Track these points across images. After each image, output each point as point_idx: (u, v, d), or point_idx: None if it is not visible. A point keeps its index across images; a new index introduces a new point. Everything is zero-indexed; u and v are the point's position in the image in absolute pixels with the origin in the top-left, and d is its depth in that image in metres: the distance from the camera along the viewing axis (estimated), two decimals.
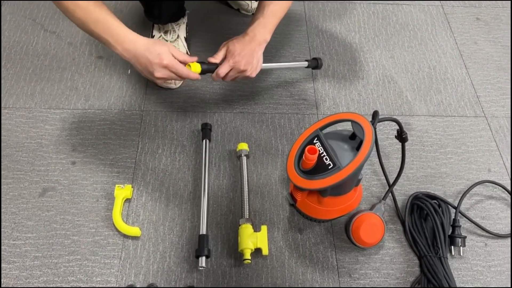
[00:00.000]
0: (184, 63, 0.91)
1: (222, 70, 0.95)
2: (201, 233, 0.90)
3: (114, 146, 1.05)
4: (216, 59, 0.96)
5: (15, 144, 1.04)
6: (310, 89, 1.19)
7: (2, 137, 1.04)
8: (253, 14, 1.33)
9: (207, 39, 1.28)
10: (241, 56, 0.94)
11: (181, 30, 1.18)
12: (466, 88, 1.23)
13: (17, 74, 1.16)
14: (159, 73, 0.87)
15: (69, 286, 0.86)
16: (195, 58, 0.93)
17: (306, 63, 1.18)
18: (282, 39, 1.30)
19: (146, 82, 1.17)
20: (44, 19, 1.29)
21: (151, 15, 1.14)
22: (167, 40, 1.15)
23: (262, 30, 0.96)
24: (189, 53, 1.21)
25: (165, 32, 1.16)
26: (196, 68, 0.92)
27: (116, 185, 0.97)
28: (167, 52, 0.86)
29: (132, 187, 0.98)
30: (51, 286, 0.86)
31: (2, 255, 0.89)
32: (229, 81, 0.99)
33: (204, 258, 0.87)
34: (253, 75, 0.99)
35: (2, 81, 1.14)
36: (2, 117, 1.08)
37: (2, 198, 0.95)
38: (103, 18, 0.83)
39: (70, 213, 0.95)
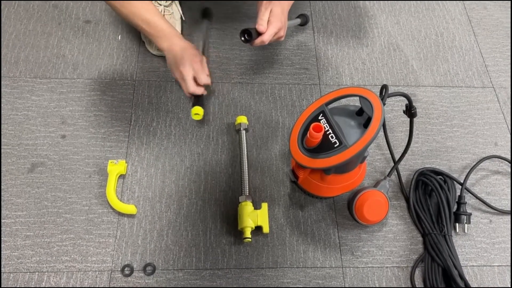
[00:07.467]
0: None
1: (268, 38, 0.90)
2: None
3: (106, 119, 0.99)
4: (264, 26, 0.89)
5: None
6: (312, 57, 1.13)
7: None
8: None
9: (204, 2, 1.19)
10: (283, 20, 0.91)
11: None
12: (474, 56, 1.18)
13: None
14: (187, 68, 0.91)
15: (64, 266, 0.83)
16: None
17: (299, 20, 1.15)
18: None
19: (138, 49, 1.10)
20: None
21: None
22: (160, 5, 1.07)
23: None
24: (184, 19, 1.13)
25: None
26: (199, 110, 0.95)
27: (109, 161, 0.92)
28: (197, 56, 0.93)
29: (126, 162, 0.94)
30: (45, 266, 0.83)
31: None
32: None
33: None
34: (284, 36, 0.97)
35: None
36: None
37: None
38: (150, 18, 0.90)
39: (62, 189, 0.91)
